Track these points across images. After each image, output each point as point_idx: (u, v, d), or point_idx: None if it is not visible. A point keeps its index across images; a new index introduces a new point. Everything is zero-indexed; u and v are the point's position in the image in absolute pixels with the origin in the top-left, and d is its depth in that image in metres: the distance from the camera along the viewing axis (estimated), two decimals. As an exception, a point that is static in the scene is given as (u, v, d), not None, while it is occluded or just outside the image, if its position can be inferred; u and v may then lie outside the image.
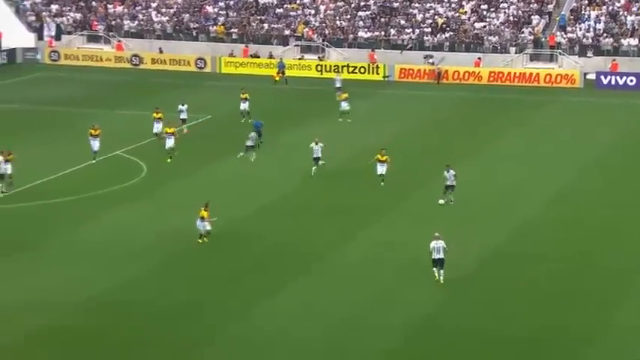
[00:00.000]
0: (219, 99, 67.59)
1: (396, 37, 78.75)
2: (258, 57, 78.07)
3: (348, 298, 33.82)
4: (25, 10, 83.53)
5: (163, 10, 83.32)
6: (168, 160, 50.03)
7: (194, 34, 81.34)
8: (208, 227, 38.61)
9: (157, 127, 53.36)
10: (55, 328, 31.46)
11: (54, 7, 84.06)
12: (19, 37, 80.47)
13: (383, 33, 79.17)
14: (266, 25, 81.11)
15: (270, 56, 77.60)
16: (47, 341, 30.65)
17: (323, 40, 79.03)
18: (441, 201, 43.55)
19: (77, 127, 58.03)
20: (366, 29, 79.69)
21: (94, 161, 49.97)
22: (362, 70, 75.47)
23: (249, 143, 50.40)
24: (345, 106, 60.55)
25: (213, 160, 50.85)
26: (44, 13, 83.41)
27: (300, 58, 78.02)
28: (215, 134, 56.71)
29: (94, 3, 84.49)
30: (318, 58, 77.90)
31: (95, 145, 50.00)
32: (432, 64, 74.17)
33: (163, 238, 39.50)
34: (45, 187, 46.11)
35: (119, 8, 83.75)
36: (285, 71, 73.91)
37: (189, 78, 74.43)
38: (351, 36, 79.35)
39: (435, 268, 34.59)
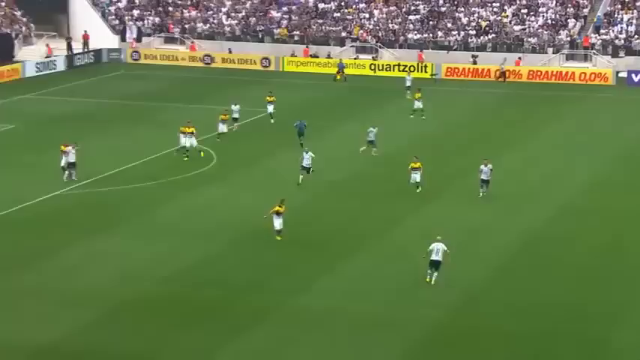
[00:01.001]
0: (281, 94, 67.60)
1: (442, 39, 78.37)
2: (317, 57, 78.12)
3: (400, 274, 33.81)
4: (109, 15, 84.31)
5: (233, 14, 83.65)
6: (185, 159, 48.03)
7: (260, 36, 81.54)
8: (279, 226, 36.28)
9: (222, 128, 52.09)
10: (140, 299, 31.87)
11: (135, 12, 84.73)
12: (105, 39, 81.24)
13: (431, 35, 78.80)
14: (325, 28, 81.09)
15: (328, 56, 77.61)
16: (134, 311, 31.04)
17: (376, 42, 78.86)
18: (481, 194, 42.43)
19: (156, 119, 58.65)
20: (415, 31, 79.38)
21: (181, 155, 48.44)
22: (411, 68, 75.13)
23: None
24: (418, 104, 59.35)
25: (276, 148, 50.96)
26: (127, 18, 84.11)
27: (355, 58, 77.93)
28: (277, 125, 56.86)
29: (170, 8, 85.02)
30: (372, 57, 77.78)
31: (188, 141, 48.24)
32: (501, 65, 73.38)
33: (234, 218, 39.79)
34: (128, 173, 46.60)
35: (193, 13, 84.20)
36: (345, 70, 73.94)
37: (254, 76, 74.64)
38: (402, 37, 79.11)
39: (429, 270, 32.35)
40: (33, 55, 76.28)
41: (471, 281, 33.51)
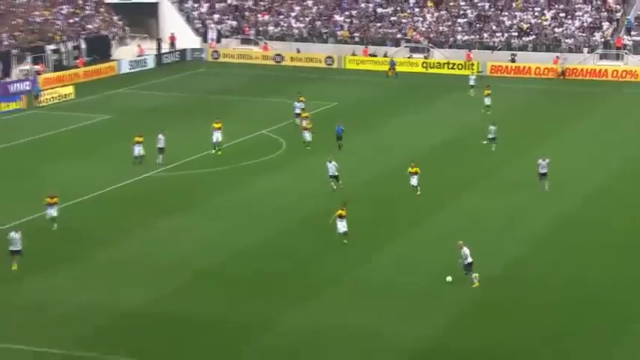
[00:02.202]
0: (343, 89, 67.52)
1: (487, 40, 77.29)
2: (375, 56, 77.56)
3: (446, 252, 33.43)
4: (193, 19, 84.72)
5: (301, 18, 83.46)
6: (219, 153, 46.85)
7: (324, 37, 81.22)
8: (344, 229, 33.78)
9: (217, 137, 47.67)
10: (215, 270, 31.98)
11: (215, 17, 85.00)
12: (189, 40, 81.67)
13: (477, 36, 77.79)
14: (382, 30, 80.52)
15: (385, 55, 77.04)
16: (210, 280, 31.16)
17: (428, 42, 78.04)
18: (547, 189, 40.16)
19: (232, 110, 58.78)
20: (463, 33, 78.41)
21: (213, 152, 46.97)
22: (459, 66, 74.29)
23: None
24: (487, 101, 57.79)
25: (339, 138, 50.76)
26: (208, 21, 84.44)
27: (409, 57, 77.25)
28: (341, 116, 56.63)
29: (246, 13, 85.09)
30: (424, 57, 76.99)
31: (217, 136, 47.10)
32: (561, 64, 71.95)
33: (300, 199, 39.73)
34: (207, 158, 46.80)
35: (266, 17, 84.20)
36: (396, 67, 73.30)
37: (319, 72, 74.42)
38: (451, 39, 78.20)
39: (467, 273, 30.14)
40: (127, 54, 76.98)
41: (510, 258, 33.01)
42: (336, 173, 40.45)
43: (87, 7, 79.52)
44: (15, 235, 31.35)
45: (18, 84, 63.20)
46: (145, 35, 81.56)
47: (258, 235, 35.31)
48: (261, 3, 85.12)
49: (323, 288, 30.27)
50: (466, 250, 30.35)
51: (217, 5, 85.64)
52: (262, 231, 35.77)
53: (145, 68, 74.95)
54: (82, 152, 47.63)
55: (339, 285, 30.54)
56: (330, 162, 40.69)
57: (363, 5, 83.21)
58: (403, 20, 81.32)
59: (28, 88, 62.45)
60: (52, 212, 34.81)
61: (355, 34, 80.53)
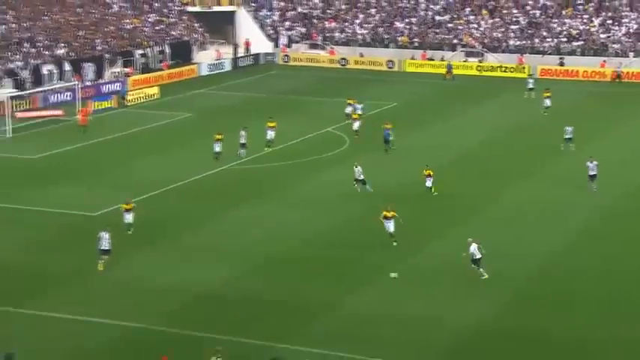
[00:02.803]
0: (403, 90, 67.30)
1: (538, 45, 76.16)
2: (433, 60, 77.06)
3: (493, 242, 33.20)
4: (266, 26, 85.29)
5: (364, 25, 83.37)
6: (268, 150, 46.11)
7: (386, 42, 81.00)
8: (392, 229, 32.63)
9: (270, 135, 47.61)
10: (283, 256, 32.28)
11: (287, 24, 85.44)
12: (262, 45, 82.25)
13: (529, 41, 76.70)
14: (439, 36, 79.94)
15: (442, 59, 76.48)
16: (278, 266, 31.43)
17: (482, 47, 77.22)
18: (595, 189, 39.11)
19: (301, 109, 59.10)
20: (516, 38, 77.41)
21: (268, 149, 46.45)
22: (511, 69, 73.38)
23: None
24: (547, 102, 56.66)
25: (399, 134, 50.64)
26: (280, 28, 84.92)
27: (464, 61, 76.54)
28: (401, 115, 56.58)
29: (314, 20, 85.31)
30: (478, 61, 76.21)
31: (271, 134, 46.83)
32: (617, 68, 70.55)
33: (359, 192, 39.81)
34: (277, 153, 47.18)
35: (332, 24, 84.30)
36: (453, 71, 72.77)
37: (381, 75, 74.25)
38: (504, 44, 77.25)
39: (476, 268, 29.36)
40: (206, 58, 77.89)
41: (554, 247, 32.63)
42: (362, 177, 38.90)
43: (171, 16, 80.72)
44: (104, 235, 30.06)
45: (109, 85, 64.55)
46: (222, 41, 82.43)
47: (325, 223, 35.49)
48: (328, 11, 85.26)
49: (383, 274, 30.33)
50: (474, 247, 29.44)
51: (288, 13, 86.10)
52: (328, 220, 35.95)
53: (223, 71, 75.73)
54: (165, 147, 48.44)
55: (399, 272, 30.53)
56: (357, 167, 39.13)
57: (422, 13, 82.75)
58: (459, 27, 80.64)
59: (118, 88, 63.74)
60: (129, 218, 33.30)
61: (414, 40, 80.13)
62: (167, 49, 75.22)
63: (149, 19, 78.18)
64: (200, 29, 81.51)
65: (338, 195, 39.39)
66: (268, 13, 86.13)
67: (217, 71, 75.13)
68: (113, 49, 70.06)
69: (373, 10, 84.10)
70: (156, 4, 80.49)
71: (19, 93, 57.66)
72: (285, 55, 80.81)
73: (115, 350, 25.07)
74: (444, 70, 73.17)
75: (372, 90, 66.16)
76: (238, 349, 24.89)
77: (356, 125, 49.84)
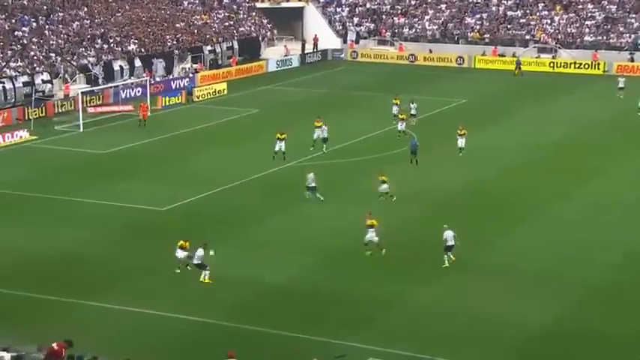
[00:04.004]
0: (472, 87, 66.63)
1: (614, 41, 74.39)
2: (504, 56, 76.05)
3: (568, 238, 32.64)
4: (335, 22, 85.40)
5: (434, 20, 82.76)
6: (311, 149, 45.38)
7: (456, 38, 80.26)
8: (376, 238, 31.43)
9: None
10: (346, 250, 32.32)
11: (355, 19, 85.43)
12: (330, 41, 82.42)
13: (604, 37, 74.99)
14: (511, 32, 78.83)
15: (513, 55, 75.41)
16: (342, 259, 31.53)
17: (556, 43, 75.84)
18: None
19: (368, 105, 59.02)
20: (591, 34, 75.78)
21: (322, 152, 45.65)
22: (586, 66, 71.91)
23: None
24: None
25: (470, 129, 50.07)
26: (348, 24, 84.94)
27: (536, 57, 75.34)
28: (471, 112, 56.06)
29: (383, 16, 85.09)
30: (552, 57, 74.92)
31: (318, 134, 46.36)
32: None
33: (430, 188, 39.67)
34: (344, 150, 47.25)
35: (402, 20, 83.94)
36: (522, 67, 71.68)
37: (450, 72, 73.63)
38: (579, 40, 75.72)
39: (445, 254, 30.21)
40: (274, 54, 78.45)
41: (631, 244, 31.89)
42: (313, 184, 37.28)
43: (240, 12, 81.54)
44: (199, 253, 29.21)
45: (179, 81, 65.57)
46: (290, 37, 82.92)
47: (391, 219, 35.45)
48: (398, 7, 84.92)
49: (449, 270, 30.14)
50: (448, 234, 30.06)
51: (357, 9, 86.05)
52: (394, 216, 35.90)
53: (290, 67, 76.15)
54: (232, 143, 48.98)
55: (463, 268, 30.34)
56: (309, 174, 37.62)
57: (493, 8, 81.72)
58: (532, 22, 79.38)
59: (188, 84, 64.68)
60: (182, 255, 30.18)
61: (485, 36, 79.19)
62: (235, 45, 76.02)
63: (218, 16, 79.13)
64: (268, 25, 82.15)
65: (404, 191, 39.22)
66: (337, 9, 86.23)
67: (285, 67, 75.58)
68: (183, 45, 71.16)
69: (443, 6, 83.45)
70: (225, 1, 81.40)
71: (91, 88, 59.08)
72: (353, 52, 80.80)
73: (181, 345, 25.50)
74: (514, 67, 72.15)
75: (441, 86, 65.69)
76: (301, 345, 25.04)
77: (401, 126, 49.07)
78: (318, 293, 28.64)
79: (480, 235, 33.37)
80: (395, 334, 25.83)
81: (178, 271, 29.94)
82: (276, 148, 44.14)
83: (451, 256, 30.33)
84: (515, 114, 55.64)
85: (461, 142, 44.72)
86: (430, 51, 78.82)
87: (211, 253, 29.71)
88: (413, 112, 52.65)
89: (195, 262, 29.49)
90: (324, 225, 35.07)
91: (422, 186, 39.92)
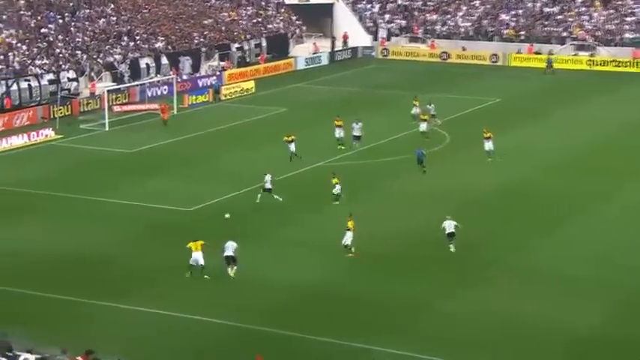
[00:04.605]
0: (507, 86, 66.06)
1: (655, 38, 73.52)
2: (540, 54, 75.29)
3: (606, 242, 32.13)
4: (365, 18, 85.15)
5: (467, 17, 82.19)
6: (342, 147, 45.48)
7: (490, 35, 79.63)
8: (349, 241, 31.58)
9: (423, 127, 48.41)
10: (378, 254, 32.05)
11: (386, 16, 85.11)
12: (360, 38, 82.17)
13: (645, 34, 74.13)
14: (547, 29, 78.05)
15: (550, 53, 74.60)
16: (378, 263, 31.11)
17: (594, 40, 74.92)
18: None
19: (399, 104, 58.72)
20: (631, 31, 74.80)
21: (343, 147, 45.83)
22: (625, 64, 71.01)
23: None
24: None
25: (503, 129, 49.73)
26: (379, 21, 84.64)
27: (574, 55, 74.49)
28: (505, 112, 55.54)
29: (415, 13, 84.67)
30: (589, 54, 74.00)
31: (340, 133, 46.28)
32: None
33: (463, 187, 39.36)
34: (375, 150, 47.07)
35: (434, 16, 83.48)
36: (553, 64, 70.90)
37: (484, 70, 73.07)
38: (618, 37, 74.71)
39: (448, 241, 31.51)
40: (303, 51, 78.37)
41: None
42: (270, 186, 36.92)
43: (269, 8, 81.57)
44: (226, 245, 29.51)
45: (206, 79, 65.70)
46: (320, 34, 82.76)
47: (420, 219, 35.16)
48: (430, 3, 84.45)
49: (486, 273, 29.84)
50: (449, 223, 31.38)
51: (388, 6, 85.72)
52: (423, 216, 35.61)
53: (320, 65, 76.02)
54: (259, 142, 48.93)
55: (501, 271, 29.99)
56: (266, 175, 37.13)
57: (529, 4, 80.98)
58: (569, 19, 78.52)
59: (215, 82, 64.77)
60: (197, 259, 29.69)
61: (521, 33, 78.49)
62: (264, 43, 76.06)
63: (247, 12, 79.21)
64: (297, 22, 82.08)
65: (438, 191, 38.98)
66: (367, 6, 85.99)
67: (314, 65, 75.48)
68: (210, 43, 71.31)
69: (477, 2, 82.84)
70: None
71: (117, 87, 59.39)
72: (384, 49, 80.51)
73: (207, 348, 25.41)
74: (544, 65, 71.41)
75: (475, 85, 65.18)
76: (333, 350, 24.84)
77: (424, 127, 48.63)
78: (346, 296, 28.45)
79: (515, 237, 33.00)
80: (426, 339, 25.56)
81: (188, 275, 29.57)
82: (293, 149, 43.69)
83: (452, 244, 31.40)
84: (551, 114, 55.04)
85: (488, 145, 43.92)
86: (463, 48, 78.29)
87: (227, 215, 31.31)
88: (432, 112, 51.93)
89: (227, 254, 29.31)
90: (359, 227, 34.73)
91: (453, 186, 39.57)
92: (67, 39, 62.97)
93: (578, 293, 28.26)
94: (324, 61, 77.09)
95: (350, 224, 31.70)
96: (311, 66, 75.07)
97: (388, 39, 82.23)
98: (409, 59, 78.28)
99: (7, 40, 59.55)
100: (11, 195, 39.25)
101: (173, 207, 37.20)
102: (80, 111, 56.10)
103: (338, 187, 37.29)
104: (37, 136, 49.49)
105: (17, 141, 48.32)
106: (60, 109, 54.86)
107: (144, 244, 33.20)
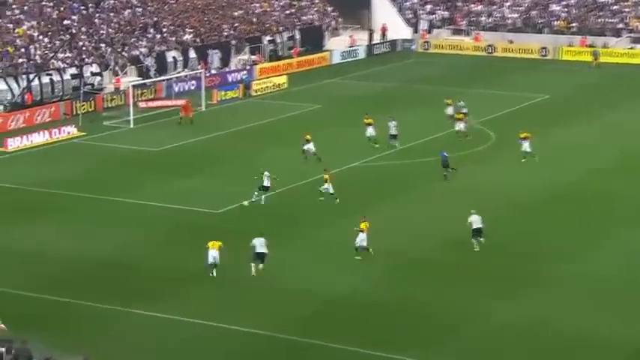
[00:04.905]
0: (557, 81, 65.46)
1: None
2: (593, 46, 74.50)
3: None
4: (405, 10, 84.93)
5: (514, 8, 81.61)
6: (376, 145, 45.82)
7: (539, 27, 78.99)
8: (364, 243, 31.75)
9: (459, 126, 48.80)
10: (424, 259, 31.96)
11: (427, 7, 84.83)
12: (400, 30, 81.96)
13: None
14: (601, 20, 77.19)
15: (604, 46, 73.77)
16: (418, 268, 31.16)
17: (652, 32, 74.13)
18: None
19: (441, 101, 58.39)
20: (692, 22, 73.85)
21: (377, 146, 46.05)
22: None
23: None
24: None
25: (551, 128, 49.24)
26: (420, 12, 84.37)
27: (629, 48, 73.63)
28: (554, 109, 55.01)
29: (459, 3, 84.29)
30: (647, 47, 73.26)
31: (371, 131, 46.62)
32: None
33: (509, 191, 39.04)
34: (415, 149, 46.88)
35: (479, 7, 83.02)
36: (599, 57, 70.12)
37: (532, 64, 72.53)
38: (679, 28, 73.83)
39: (474, 238, 32.09)
40: (339, 44, 78.36)
41: None
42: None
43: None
44: (256, 242, 30.20)
45: (236, 73, 65.97)
46: (357, 26, 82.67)
47: (463, 223, 34.96)
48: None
49: (535, 281, 29.58)
50: (476, 218, 32.01)
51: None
52: (465, 219, 35.38)
53: (356, 59, 75.96)
54: (292, 141, 48.92)
55: (552, 280, 29.74)
56: (264, 171, 37.51)
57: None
58: (625, 9, 77.60)
59: (245, 77, 65.01)
60: (215, 256, 30.48)
61: (573, 24, 77.74)
62: (297, 35, 76.18)
63: (279, 3, 79.39)
64: (333, 14, 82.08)
65: (482, 194, 38.75)
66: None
67: (350, 59, 75.43)
68: (240, 35, 71.57)
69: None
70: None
71: (143, 81, 59.83)
72: (425, 42, 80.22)
73: (237, 359, 25.44)
74: (609, 58, 70.72)
75: (522, 81, 64.75)
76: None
77: (460, 126, 48.30)
78: (387, 304, 28.39)
79: (566, 244, 32.72)
80: (471, 352, 25.36)
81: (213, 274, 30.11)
82: (305, 147, 43.96)
83: (481, 240, 31.98)
84: (605, 111, 54.45)
85: (525, 146, 43.52)
86: (510, 41, 77.74)
87: (245, 203, 31.42)
88: (464, 110, 51.52)
89: (259, 251, 29.90)
90: (396, 230, 34.73)
91: (497, 188, 39.30)
92: (91, 31, 63.61)
93: (637, 304, 27.86)
94: (361, 54, 77.03)
95: (363, 225, 31.78)
96: (347, 60, 75.03)
97: (429, 31, 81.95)
98: (452, 53, 77.92)
99: (28, 32, 60.31)
100: (32, 195, 39.72)
101: (201, 209, 37.37)
102: (104, 107, 56.65)
103: (327, 185, 37.25)
104: (59, 133, 50.05)
105: (38, 138, 48.93)
106: (83, 105, 55.44)
107: (170, 248, 33.39)
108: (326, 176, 37.84)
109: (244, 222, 35.45)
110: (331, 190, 37.48)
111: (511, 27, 79.84)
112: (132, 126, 52.57)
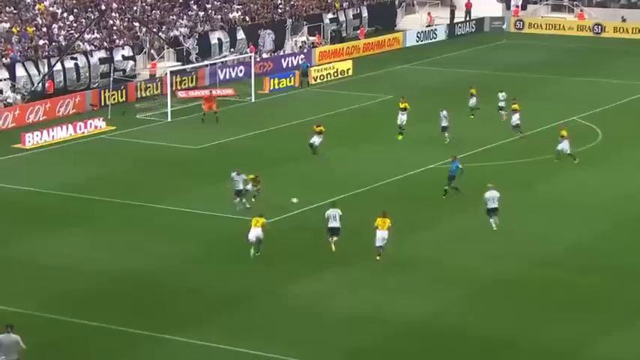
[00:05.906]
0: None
1: None
2: None
3: None
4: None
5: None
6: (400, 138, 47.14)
7: (658, 3, 77.96)
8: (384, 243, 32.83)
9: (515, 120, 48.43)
10: (510, 280, 31.89)
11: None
12: (488, 6, 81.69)
13: None
14: None
15: None
16: (502, 292, 31.19)
17: None
18: None
19: (536, 91, 57.97)
20: None
21: (401, 137, 47.58)
22: None
23: None
24: None
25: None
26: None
27: None
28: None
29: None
30: None
31: (402, 118, 47.85)
32: None
33: (617, 200, 38.74)
34: (504, 148, 46.64)
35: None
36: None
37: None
38: None
39: (491, 219, 34.50)
40: (414, 24, 78.44)
41: None
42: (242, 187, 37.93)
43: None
44: (332, 213, 33.26)
45: (291, 58, 66.29)
46: (436, 2, 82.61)
47: (564, 240, 34.69)
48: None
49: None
50: (492, 194, 34.22)
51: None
52: (568, 235, 35.26)
53: (435, 40, 75.96)
54: (359, 138, 49.08)
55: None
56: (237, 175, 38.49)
57: None
58: None
59: (303, 63, 65.28)
60: (257, 236, 32.95)
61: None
62: (365, 13, 76.41)
63: (343, -25, 79.69)
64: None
65: (584, 204, 38.56)
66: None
67: (428, 41, 75.48)
68: (297, 13, 71.96)
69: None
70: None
71: (183, 67, 60.56)
72: (519, 21, 79.81)
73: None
74: None
75: (637, 67, 63.90)
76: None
77: (516, 119, 47.93)
78: (462, 334, 28.31)
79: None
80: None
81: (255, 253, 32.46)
82: (311, 141, 44.75)
83: (497, 221, 34.22)
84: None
85: (562, 145, 43.54)
86: (623, 19, 76.90)
87: (294, 200, 35.08)
88: (501, 104, 51.26)
89: (333, 225, 33.03)
90: (481, 244, 34.69)
91: (604, 202, 38.86)
92: (123, 8, 64.55)
93: None
94: (441, 35, 77.00)
95: (381, 222, 32.64)
96: (424, 42, 75.08)
97: (524, 7, 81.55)
98: (551, 33, 77.48)
99: (50, 8, 61.45)
100: (55, 200, 40.44)
101: (247, 217, 37.55)
102: (137, 97, 57.49)
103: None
104: (85, 127, 50.90)
105: (61, 133, 49.81)
106: (113, 95, 56.32)
107: (212, 263, 33.71)
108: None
109: (301, 233, 35.58)
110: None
111: (625, 2, 78.93)
112: (169, 119, 53.24)
